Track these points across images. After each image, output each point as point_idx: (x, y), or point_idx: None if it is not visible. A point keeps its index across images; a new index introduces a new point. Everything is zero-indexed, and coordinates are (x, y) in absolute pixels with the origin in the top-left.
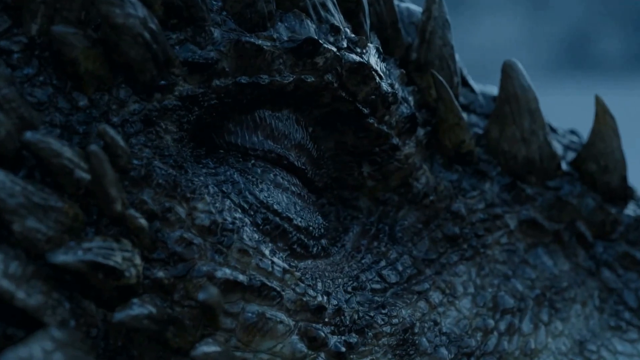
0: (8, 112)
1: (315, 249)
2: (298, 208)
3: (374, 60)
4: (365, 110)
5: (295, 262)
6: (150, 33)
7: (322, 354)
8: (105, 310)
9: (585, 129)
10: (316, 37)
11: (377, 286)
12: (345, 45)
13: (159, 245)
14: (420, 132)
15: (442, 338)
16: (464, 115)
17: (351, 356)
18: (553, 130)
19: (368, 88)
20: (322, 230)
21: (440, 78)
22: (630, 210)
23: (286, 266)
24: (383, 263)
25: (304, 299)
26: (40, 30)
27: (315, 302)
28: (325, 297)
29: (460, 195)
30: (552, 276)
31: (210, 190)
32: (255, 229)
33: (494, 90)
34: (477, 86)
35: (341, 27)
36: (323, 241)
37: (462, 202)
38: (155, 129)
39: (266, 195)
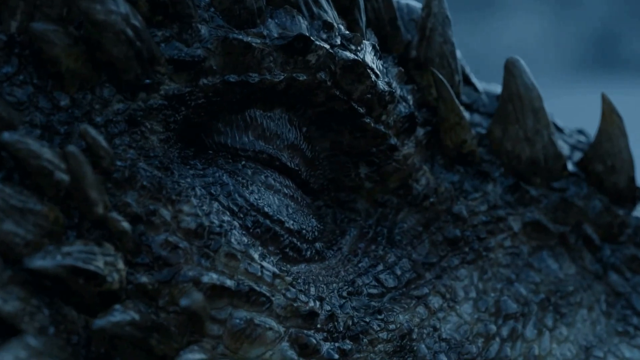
0: None
1: (308, 252)
2: (290, 210)
3: (369, 57)
4: (361, 110)
5: (287, 266)
6: (133, 30)
7: None
8: (87, 316)
9: None
10: (308, 34)
11: (374, 291)
12: (338, 42)
13: (143, 249)
14: (420, 132)
15: (442, 344)
16: (466, 114)
17: None
18: (559, 129)
19: (363, 86)
20: (317, 233)
21: (440, 76)
22: (639, 212)
23: (276, 271)
24: (381, 267)
25: (295, 305)
26: (20, 28)
27: (307, 308)
28: (317, 303)
29: (462, 197)
30: (557, 280)
31: (197, 193)
32: (244, 232)
33: (497, 88)
34: (480, 85)
35: (334, 23)
36: (317, 244)
37: (463, 204)
38: (140, 129)
39: (256, 197)
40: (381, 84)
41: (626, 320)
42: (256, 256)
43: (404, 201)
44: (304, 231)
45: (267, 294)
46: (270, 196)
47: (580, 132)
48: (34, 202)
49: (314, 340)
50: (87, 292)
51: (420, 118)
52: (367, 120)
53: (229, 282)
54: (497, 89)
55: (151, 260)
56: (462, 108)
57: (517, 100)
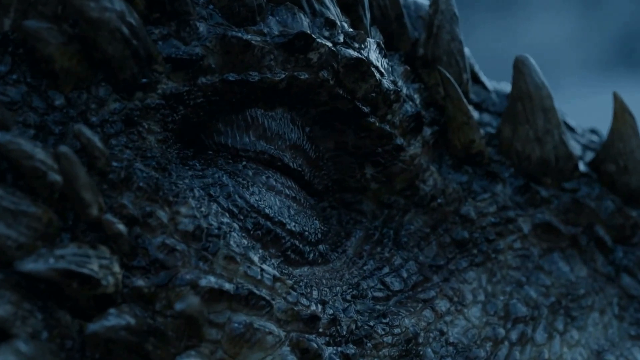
0: None
1: (311, 255)
2: (292, 212)
3: (374, 55)
4: (365, 109)
5: (289, 269)
6: (129, 28)
7: None
8: (81, 321)
9: None
10: (309, 32)
11: (380, 294)
12: (341, 40)
13: (140, 252)
14: (427, 131)
15: (449, 348)
16: (475, 113)
17: None
18: (571, 129)
19: (367, 85)
20: (320, 235)
21: (448, 75)
22: None
23: (277, 274)
24: (386, 269)
25: (296, 308)
26: (14, 26)
27: (308, 312)
28: (320, 306)
29: (470, 198)
30: (569, 283)
31: (196, 194)
32: (244, 234)
33: (508, 87)
34: (490, 83)
35: (337, 21)
36: (321, 247)
37: (472, 205)
38: (137, 129)
39: (257, 198)
40: (386, 83)
41: (639, 324)
42: (256, 259)
43: (410, 202)
44: (306, 233)
45: (267, 298)
46: (272, 197)
47: (593, 131)
48: (27, 204)
49: (316, 345)
50: (81, 295)
51: (428, 117)
52: (372, 120)
53: (227, 286)
54: (507, 87)
55: (148, 263)
56: (470, 107)
57: (526, 99)
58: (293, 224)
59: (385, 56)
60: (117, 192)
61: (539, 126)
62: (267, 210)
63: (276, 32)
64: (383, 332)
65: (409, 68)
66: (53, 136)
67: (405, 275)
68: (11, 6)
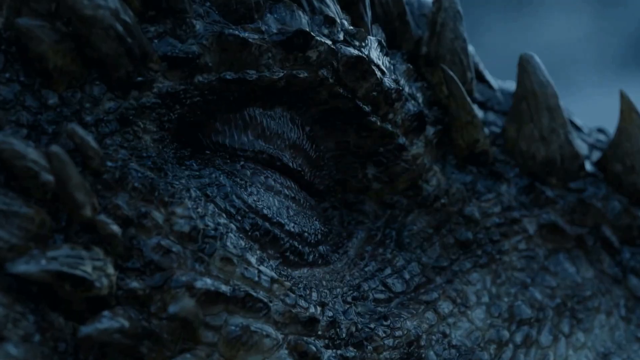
0: None
1: (311, 256)
2: (291, 212)
3: (375, 54)
4: (367, 108)
5: (288, 270)
6: (123, 25)
7: None
8: (75, 323)
9: None
10: (308, 29)
11: (381, 296)
12: (341, 38)
13: (134, 254)
14: (430, 130)
15: (452, 351)
16: (480, 112)
17: None
18: (577, 128)
19: (368, 84)
20: (320, 236)
21: (451, 73)
22: None
23: (275, 275)
24: (388, 271)
25: (294, 311)
26: (6, 24)
27: (307, 314)
28: (319, 308)
29: (474, 198)
30: (575, 284)
31: (192, 194)
32: (241, 235)
33: (513, 86)
34: (495, 82)
35: (337, 18)
36: (321, 248)
37: (476, 206)
38: (132, 129)
39: (255, 199)
40: (387, 81)
41: None
42: (253, 260)
43: (413, 202)
44: (305, 234)
45: (265, 300)
46: (270, 198)
47: (600, 130)
48: (19, 205)
49: (314, 348)
50: (74, 298)
51: (431, 117)
52: (374, 119)
53: (224, 288)
54: (513, 86)
55: (142, 264)
56: (474, 106)
57: (531, 98)
58: (292, 224)
59: (387, 54)
60: (111, 193)
61: (544, 125)
62: (265, 211)
63: (274, 30)
64: (384, 335)
65: (411, 66)
66: (46, 136)
67: (407, 276)
68: (3, 4)
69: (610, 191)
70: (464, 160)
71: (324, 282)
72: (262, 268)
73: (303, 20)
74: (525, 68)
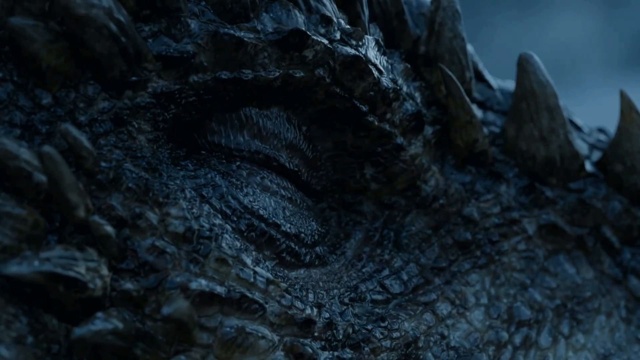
0: None
1: (308, 257)
2: (288, 213)
3: (372, 53)
4: (364, 108)
5: (284, 271)
6: (117, 25)
7: None
8: (68, 325)
9: None
10: (304, 29)
11: (379, 297)
12: (338, 37)
13: (129, 255)
14: (429, 130)
15: (450, 353)
16: (479, 112)
17: None
18: (577, 128)
19: (365, 83)
20: (317, 237)
21: (449, 73)
22: None
23: (270, 276)
24: (386, 272)
25: (290, 312)
26: None
27: (303, 316)
28: (315, 310)
29: (473, 199)
30: (574, 285)
31: (187, 195)
32: (237, 236)
33: (513, 85)
34: (495, 81)
35: (333, 17)
36: (318, 249)
37: (475, 206)
38: (127, 129)
39: (251, 199)
40: (385, 81)
41: None
42: (249, 261)
43: (412, 203)
44: (302, 235)
45: (260, 301)
46: (266, 198)
47: (601, 130)
48: (12, 205)
49: (310, 349)
50: (68, 299)
51: (430, 116)
52: (371, 119)
53: (219, 289)
54: (512, 85)
55: (137, 265)
56: (473, 106)
57: (531, 98)
58: (288, 225)
59: (384, 54)
60: (105, 193)
61: (543, 125)
62: (261, 212)
63: (270, 29)
64: (381, 336)
65: (409, 66)
66: (40, 136)
67: (405, 277)
68: None
69: (611, 191)
70: (463, 160)
71: (321, 283)
72: (257, 269)
73: (299, 19)
74: (524, 68)
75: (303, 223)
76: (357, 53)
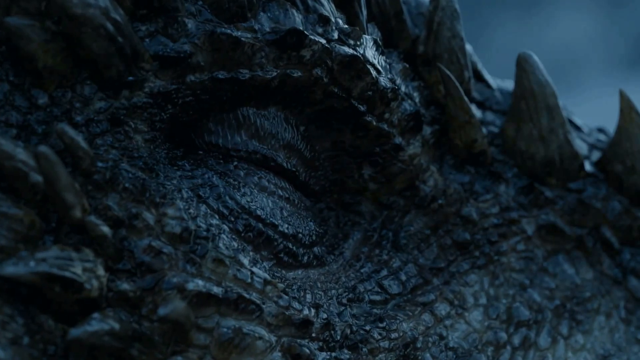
0: None
1: (305, 257)
2: (285, 213)
3: (370, 53)
4: (362, 108)
5: (282, 272)
6: (114, 24)
7: None
8: (65, 325)
9: None
10: (302, 28)
11: (377, 297)
12: (335, 36)
13: (125, 255)
14: (427, 130)
15: (449, 353)
16: (478, 112)
17: None
18: (577, 128)
19: (363, 83)
20: (315, 237)
21: (448, 72)
22: None
23: (268, 277)
24: (384, 272)
25: (288, 313)
26: None
27: (301, 316)
28: (313, 310)
29: (472, 199)
30: (574, 285)
31: (184, 195)
32: (234, 236)
33: (512, 85)
34: (494, 81)
35: (331, 17)
36: (316, 249)
37: (474, 206)
38: (123, 129)
39: (248, 199)
40: (383, 81)
41: None
42: (246, 262)
43: (410, 203)
44: (300, 235)
45: (258, 302)
46: (264, 198)
47: (600, 130)
48: (8, 206)
49: (308, 350)
50: (64, 300)
51: (428, 116)
52: (369, 119)
53: (216, 289)
54: (512, 85)
55: (133, 266)
56: (473, 106)
57: (530, 97)
58: (286, 225)
59: (382, 54)
60: (102, 194)
61: (543, 125)
62: (258, 212)
63: (267, 29)
64: (379, 337)
65: (408, 66)
66: (36, 136)
67: (404, 278)
68: None
69: (611, 191)
70: (462, 160)
71: (319, 284)
72: (255, 269)
73: (297, 19)
74: (523, 67)
75: (301, 223)
76: (355, 53)
